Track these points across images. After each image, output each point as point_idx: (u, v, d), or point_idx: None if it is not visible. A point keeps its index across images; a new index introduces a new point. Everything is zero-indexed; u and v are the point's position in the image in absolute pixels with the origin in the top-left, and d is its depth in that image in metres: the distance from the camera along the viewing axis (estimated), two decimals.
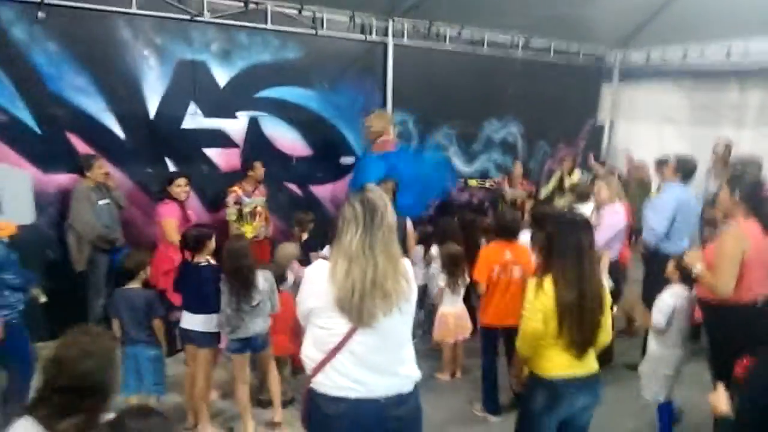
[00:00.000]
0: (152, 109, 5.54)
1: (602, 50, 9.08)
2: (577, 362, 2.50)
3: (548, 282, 2.45)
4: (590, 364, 2.55)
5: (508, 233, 4.01)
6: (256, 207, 5.67)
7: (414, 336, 2.26)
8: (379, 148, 5.86)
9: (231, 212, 5.56)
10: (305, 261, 4.73)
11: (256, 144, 6.17)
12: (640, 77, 9.45)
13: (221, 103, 5.92)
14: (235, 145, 6.07)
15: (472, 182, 7.98)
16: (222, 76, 5.89)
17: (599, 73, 9.31)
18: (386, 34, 6.89)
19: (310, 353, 2.19)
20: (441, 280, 4.43)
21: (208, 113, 5.85)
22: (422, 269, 4.90)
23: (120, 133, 5.43)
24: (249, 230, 5.64)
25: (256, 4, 5.87)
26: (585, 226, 2.49)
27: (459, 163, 8.03)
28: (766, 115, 8.45)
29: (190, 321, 3.70)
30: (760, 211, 3.09)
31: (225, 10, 5.75)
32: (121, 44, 5.32)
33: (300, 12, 6.18)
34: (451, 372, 4.63)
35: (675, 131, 9.35)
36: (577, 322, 2.42)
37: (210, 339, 3.72)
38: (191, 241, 3.70)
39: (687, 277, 3.36)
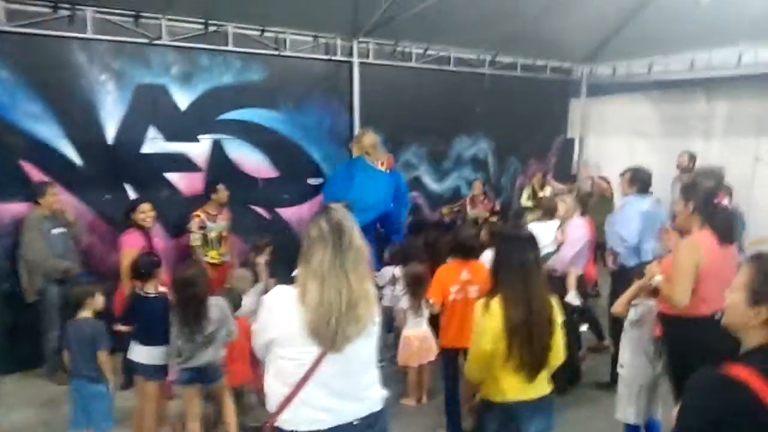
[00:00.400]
0: (110, 135, 5.44)
1: (569, 65, 9.15)
2: (529, 385, 2.42)
3: (495, 302, 2.38)
4: (543, 387, 2.47)
5: (465, 251, 3.94)
6: (221, 232, 5.57)
7: (382, 360, 2.17)
8: (389, 164, 6.10)
9: (195, 237, 5.45)
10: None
11: (220, 167, 6.07)
12: (609, 91, 9.53)
13: (182, 127, 5.83)
14: (198, 169, 5.97)
15: (445, 211, 7.91)
16: (183, 99, 5.81)
17: (567, 88, 9.39)
18: (351, 54, 6.88)
19: (273, 388, 2.05)
20: (404, 302, 4.34)
21: (168, 137, 5.76)
22: (392, 291, 4.82)
23: (77, 159, 5.31)
24: (214, 255, 5.53)
25: (217, 25, 5.83)
26: (530, 242, 2.43)
27: (430, 182, 8.00)
28: (733, 125, 8.57)
29: (138, 353, 3.57)
30: (713, 221, 3.06)
31: (185, 33, 5.70)
32: (76, 69, 5.23)
33: (262, 33, 6.15)
34: (416, 397, 4.51)
35: (646, 144, 9.43)
36: (526, 343, 2.35)
37: (158, 371, 3.58)
38: (143, 268, 3.58)
39: (652, 290, 3.30)
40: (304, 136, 6.67)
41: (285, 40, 6.34)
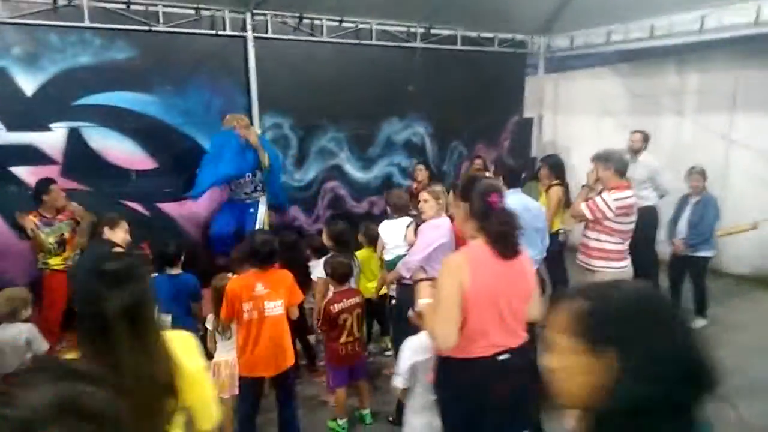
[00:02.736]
0: None
1: (522, 37, 8.19)
2: None
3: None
4: None
5: (260, 259, 3.23)
6: (62, 235, 4.90)
7: None
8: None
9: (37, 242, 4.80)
10: None
11: (81, 158, 5.41)
12: (570, 66, 8.56)
13: (29, 115, 5.17)
14: (53, 162, 5.32)
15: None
16: (28, 83, 5.14)
17: (521, 62, 8.43)
18: (245, 29, 6.11)
19: None
20: (208, 322, 3.62)
21: (12, 127, 5.11)
22: None
23: None
24: (57, 262, 4.87)
25: (69, 0, 5.15)
26: (114, 281, 1.63)
27: (352, 170, 7.21)
28: (705, 100, 7.54)
29: None
30: (487, 225, 2.23)
31: (28, 9, 5.03)
32: None
33: (128, 6, 5.44)
34: None
35: (613, 123, 8.45)
36: None
37: None
38: None
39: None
40: (188, 121, 5.94)
41: (158, 14, 5.62)
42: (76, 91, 5.36)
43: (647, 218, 5.84)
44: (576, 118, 8.80)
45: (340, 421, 3.79)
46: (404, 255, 3.84)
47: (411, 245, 3.82)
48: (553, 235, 5.62)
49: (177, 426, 1.75)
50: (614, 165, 4.08)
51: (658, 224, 6.05)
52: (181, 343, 1.76)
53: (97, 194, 5.38)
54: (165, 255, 4.17)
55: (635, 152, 6.40)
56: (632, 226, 4.09)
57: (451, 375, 2.28)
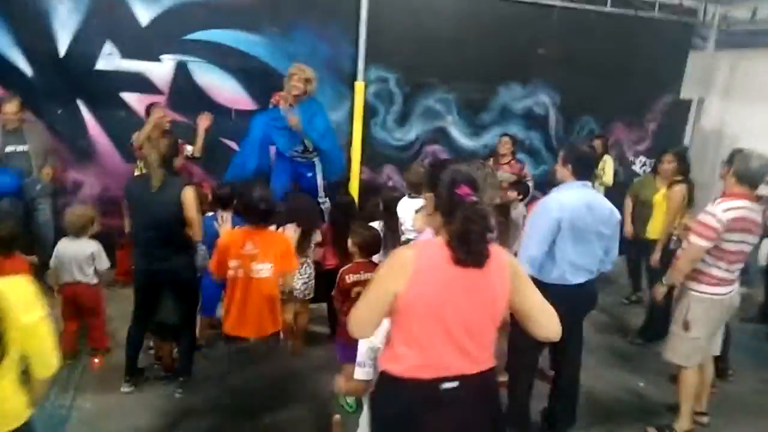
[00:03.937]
0: (63, 47, 5.25)
1: (690, 3, 6.89)
2: None
3: None
4: None
5: (255, 217, 3.07)
6: None
7: None
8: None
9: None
10: None
11: (185, 92, 5.61)
12: (751, 43, 7.04)
13: (142, 44, 5.43)
14: (159, 92, 5.58)
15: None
16: (144, 14, 5.38)
17: (686, 33, 7.13)
18: None
19: None
20: None
21: (126, 54, 5.42)
22: None
23: (28, 70, 5.24)
24: None
25: None
26: None
27: (459, 136, 6.71)
28: None
29: None
30: (450, 221, 1.76)
31: None
32: None
33: None
34: None
35: None
36: None
37: None
38: None
39: None
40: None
41: None
42: (187, 25, 5.51)
43: None
44: (751, 105, 7.30)
45: (349, 399, 3.57)
46: (413, 239, 3.43)
47: (420, 232, 3.35)
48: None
49: (9, 373, 1.68)
50: (735, 167, 3.21)
51: None
52: (16, 294, 1.67)
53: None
54: (217, 197, 4.19)
55: None
56: (744, 246, 3.20)
57: (379, 397, 1.91)
